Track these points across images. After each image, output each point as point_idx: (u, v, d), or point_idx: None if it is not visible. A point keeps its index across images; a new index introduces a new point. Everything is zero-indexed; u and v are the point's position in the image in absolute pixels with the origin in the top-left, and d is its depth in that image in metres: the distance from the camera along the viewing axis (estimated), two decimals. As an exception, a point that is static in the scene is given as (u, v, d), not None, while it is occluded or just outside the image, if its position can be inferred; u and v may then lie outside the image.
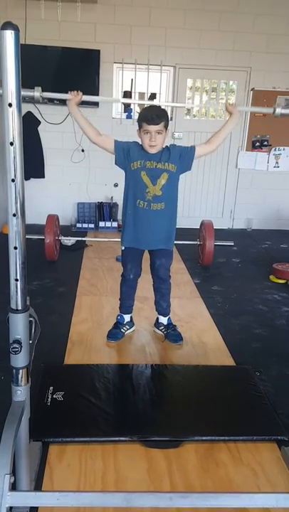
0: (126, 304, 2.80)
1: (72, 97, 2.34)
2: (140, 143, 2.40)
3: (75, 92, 2.35)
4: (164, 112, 2.35)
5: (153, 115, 2.26)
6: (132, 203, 2.46)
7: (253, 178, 5.67)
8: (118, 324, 2.78)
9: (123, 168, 2.45)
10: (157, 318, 2.86)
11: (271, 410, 2.11)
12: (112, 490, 1.63)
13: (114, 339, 2.72)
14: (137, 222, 2.48)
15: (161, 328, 2.83)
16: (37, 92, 2.05)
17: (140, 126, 2.32)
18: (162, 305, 2.80)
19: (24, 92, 2.02)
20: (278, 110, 2.24)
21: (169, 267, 2.70)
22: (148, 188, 2.38)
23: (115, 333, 2.74)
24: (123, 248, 2.63)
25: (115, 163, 2.47)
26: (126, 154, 2.40)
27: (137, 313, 2.92)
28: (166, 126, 2.32)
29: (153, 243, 2.56)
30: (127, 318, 2.82)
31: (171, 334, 2.77)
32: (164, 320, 2.82)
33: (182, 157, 2.41)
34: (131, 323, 2.85)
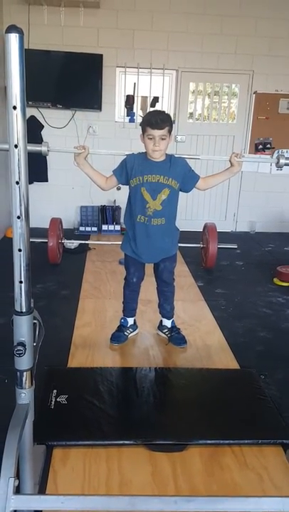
0: (129, 307, 2.79)
1: (80, 151, 2.34)
2: (137, 152, 2.40)
3: (81, 146, 2.36)
4: (168, 116, 2.34)
5: (157, 120, 2.24)
6: (132, 218, 2.47)
7: (256, 180, 5.66)
8: (122, 327, 2.78)
9: (127, 184, 2.47)
10: (161, 321, 2.86)
11: (276, 414, 2.10)
12: (117, 494, 1.62)
13: (118, 342, 2.71)
14: (137, 237, 2.48)
15: (164, 331, 2.82)
16: (44, 147, 2.08)
17: (144, 131, 2.30)
18: (166, 308, 2.79)
19: (31, 147, 2.05)
20: (282, 161, 2.24)
21: (172, 270, 2.70)
22: (148, 204, 2.38)
23: (118, 336, 2.74)
24: (124, 253, 2.64)
25: (119, 188, 2.54)
26: (126, 174, 2.41)
27: (140, 316, 2.92)
28: (170, 131, 2.30)
29: (154, 258, 2.59)
30: (130, 321, 2.81)
31: (175, 337, 2.76)
32: (167, 323, 2.82)
33: (185, 179, 2.41)
34: (134, 326, 2.84)
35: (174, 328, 2.80)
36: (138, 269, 2.65)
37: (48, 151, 2.11)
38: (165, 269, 2.65)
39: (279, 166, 2.26)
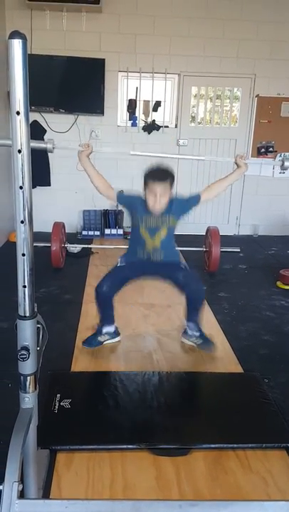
0: (103, 316, 2.68)
1: (83, 149, 2.40)
2: (143, 197, 2.44)
3: (86, 144, 2.41)
4: (170, 172, 2.40)
5: (159, 175, 2.33)
6: (133, 248, 2.55)
7: (259, 184, 5.66)
8: (96, 332, 2.70)
9: (129, 214, 2.57)
10: (187, 331, 2.77)
11: (280, 417, 2.09)
12: (121, 498, 1.62)
13: (88, 346, 2.65)
14: (137, 264, 2.55)
15: (193, 339, 2.74)
16: (50, 145, 2.10)
17: (146, 184, 2.37)
18: (195, 319, 2.71)
19: (37, 144, 2.06)
20: (287, 163, 2.28)
21: (195, 276, 2.69)
22: (146, 242, 2.46)
23: (90, 339, 2.67)
24: (119, 264, 2.61)
25: (116, 204, 2.62)
26: (128, 207, 2.51)
27: (143, 320, 2.92)
28: (171, 185, 2.36)
29: (152, 271, 2.63)
30: (107, 329, 2.70)
31: (205, 343, 2.70)
32: (196, 332, 2.74)
33: (184, 208, 2.49)
34: (114, 334, 2.74)
35: (203, 335, 2.73)
36: (115, 283, 2.56)
37: (54, 148, 2.12)
38: (189, 277, 2.57)
39: (284, 169, 2.28)
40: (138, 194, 2.47)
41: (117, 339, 2.79)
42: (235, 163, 2.49)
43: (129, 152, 2.48)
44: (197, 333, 2.75)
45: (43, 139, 5.24)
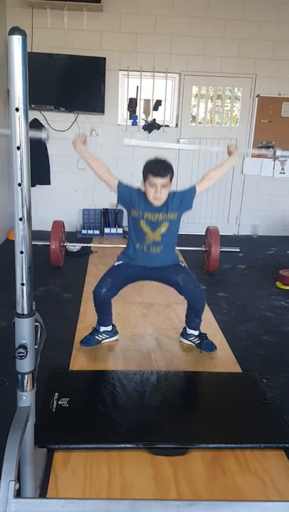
0: (101, 318, 2.68)
1: (77, 137, 2.42)
2: (143, 190, 2.41)
3: (81, 134, 2.45)
4: (170, 165, 2.38)
5: (160, 169, 2.30)
6: (132, 241, 2.52)
7: (259, 184, 5.66)
8: (94, 331, 2.71)
9: (125, 208, 2.51)
10: (185, 329, 2.79)
11: (279, 418, 2.08)
12: (118, 498, 1.61)
13: (86, 345, 2.65)
14: (137, 255, 2.52)
15: (191, 338, 2.75)
16: (44, 134, 2.08)
17: (145, 178, 2.34)
18: (195, 321, 2.72)
19: (31, 133, 2.02)
20: (278, 152, 2.26)
21: (195, 282, 2.63)
22: (147, 235, 2.44)
23: (88, 338, 2.67)
24: (117, 264, 2.60)
25: (118, 203, 2.52)
26: (128, 200, 2.45)
27: (142, 319, 2.91)
28: (171, 179, 2.34)
29: (149, 277, 2.61)
30: (104, 328, 2.71)
31: (206, 343, 2.69)
32: (194, 332, 2.75)
33: (183, 201, 2.45)
34: (111, 332, 2.74)
35: (202, 335, 2.74)
36: (114, 285, 2.54)
37: (48, 137, 2.08)
38: (186, 280, 2.54)
39: (276, 158, 2.27)
40: (137, 187, 2.45)
41: (114, 338, 2.79)
42: (228, 152, 2.49)
43: (123, 142, 2.47)
44: (196, 333, 2.75)
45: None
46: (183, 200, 2.45)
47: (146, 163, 2.39)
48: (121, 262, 2.59)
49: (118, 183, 2.45)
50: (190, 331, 2.77)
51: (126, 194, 2.43)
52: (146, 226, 2.42)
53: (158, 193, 2.30)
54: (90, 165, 2.47)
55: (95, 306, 2.64)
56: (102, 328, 2.71)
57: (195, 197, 2.46)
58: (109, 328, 2.74)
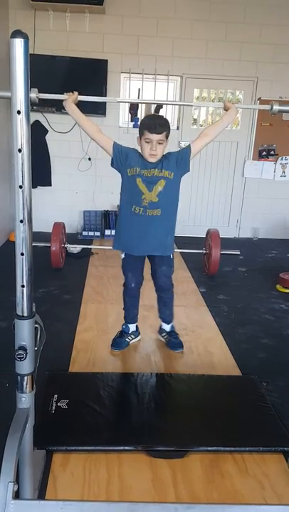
0: (131, 314, 2.78)
1: (68, 96, 2.34)
2: (139, 151, 2.39)
3: (70, 92, 2.36)
4: (167, 121, 2.36)
5: (156, 124, 2.26)
6: (127, 208, 2.43)
7: (260, 187, 5.66)
8: (123, 333, 2.77)
9: (119, 171, 2.43)
10: (161, 325, 2.86)
11: (278, 421, 2.08)
12: (117, 500, 1.61)
13: (119, 348, 2.70)
14: (131, 228, 2.45)
15: (163, 334, 2.83)
16: (33, 94, 2.02)
17: (141, 134, 2.31)
18: (165, 312, 2.79)
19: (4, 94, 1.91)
20: (275, 107, 2.19)
21: (170, 276, 2.68)
22: (144, 195, 2.36)
23: (120, 342, 2.73)
24: (123, 256, 2.62)
25: (111, 166, 2.43)
26: (124, 159, 2.38)
27: (142, 321, 2.91)
28: (167, 136, 2.31)
29: (146, 249, 2.52)
30: (132, 327, 2.80)
31: (172, 341, 2.75)
32: (166, 327, 2.82)
33: (178, 161, 2.38)
34: (136, 332, 2.83)
35: (172, 333, 2.80)
36: (136, 274, 2.64)
37: (37, 97, 2.04)
38: (162, 275, 2.63)
39: (273, 113, 2.21)
40: (135, 148, 2.42)
41: (138, 338, 2.84)
42: (224, 108, 2.40)
43: (115, 100, 2.44)
44: (167, 329, 2.81)
45: (45, 139, 5.26)
46: (178, 160, 2.38)
47: (142, 120, 2.39)
48: (123, 254, 2.61)
49: (114, 142, 2.42)
50: (163, 326, 2.83)
51: (122, 153, 2.38)
52: (143, 184, 2.34)
53: (153, 149, 2.27)
54: (83, 125, 2.44)
55: (127, 303, 2.74)
56: (131, 329, 2.78)
57: (191, 156, 2.39)
58: (135, 327, 2.81)
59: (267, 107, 2.19)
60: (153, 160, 2.32)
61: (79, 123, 2.45)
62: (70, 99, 2.35)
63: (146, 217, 2.39)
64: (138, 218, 2.40)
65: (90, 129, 2.43)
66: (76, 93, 2.36)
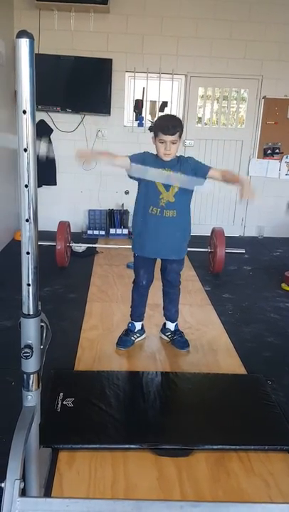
0: (137, 312, 2.79)
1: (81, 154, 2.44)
2: (151, 152, 2.46)
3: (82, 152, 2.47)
4: (180, 121, 2.42)
5: (169, 126, 2.33)
6: (144, 210, 2.48)
7: (265, 185, 5.64)
8: (128, 332, 2.78)
9: (138, 179, 2.48)
10: (164, 324, 2.86)
11: (283, 420, 2.08)
12: (122, 498, 1.62)
13: (124, 347, 2.71)
14: (148, 230, 2.50)
15: (167, 333, 2.83)
16: (43, 149, 2.11)
17: (156, 135, 2.38)
18: (170, 310, 2.80)
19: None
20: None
21: (179, 272, 2.71)
22: (162, 194, 2.43)
23: (125, 340, 2.73)
24: (136, 255, 2.65)
25: (129, 177, 2.47)
26: (143, 163, 2.42)
27: (147, 320, 2.91)
28: (180, 136, 2.38)
29: (163, 253, 2.58)
30: (138, 326, 2.81)
31: (178, 340, 2.76)
32: (171, 326, 2.82)
33: (196, 172, 2.43)
34: (142, 330, 2.84)
35: (177, 332, 2.80)
36: (147, 271, 2.66)
37: (47, 156, 2.11)
38: (172, 271, 2.67)
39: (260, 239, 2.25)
40: (145, 151, 2.48)
41: (144, 336, 2.85)
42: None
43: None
44: (172, 328, 2.81)
45: (50, 139, 5.27)
46: (196, 170, 2.43)
47: (156, 121, 2.45)
48: (137, 253, 2.63)
49: (129, 157, 2.43)
50: (167, 325, 2.83)
51: (139, 159, 2.43)
52: (161, 184, 2.42)
53: (168, 149, 2.35)
54: (115, 166, 2.47)
55: (136, 300, 2.76)
56: (137, 328, 2.79)
57: (206, 176, 2.42)
58: (140, 326, 2.82)
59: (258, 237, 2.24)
60: (167, 159, 2.39)
61: (110, 166, 2.48)
62: (87, 158, 2.51)
63: (163, 219, 2.45)
64: (155, 220, 2.46)
65: (124, 165, 2.43)
66: (83, 151, 2.44)
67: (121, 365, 2.55)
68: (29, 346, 1.41)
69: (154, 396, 2.22)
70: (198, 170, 2.43)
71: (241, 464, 1.83)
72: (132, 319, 2.80)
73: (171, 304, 2.78)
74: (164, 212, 2.44)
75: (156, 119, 2.43)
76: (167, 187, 2.42)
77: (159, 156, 2.40)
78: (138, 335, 2.80)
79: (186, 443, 1.91)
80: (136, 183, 2.50)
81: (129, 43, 5.08)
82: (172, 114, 2.44)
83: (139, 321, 2.81)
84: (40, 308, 1.44)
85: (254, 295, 3.74)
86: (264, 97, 5.34)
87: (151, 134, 2.42)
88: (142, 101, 5.28)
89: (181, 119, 2.45)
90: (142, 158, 2.44)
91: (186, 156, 2.54)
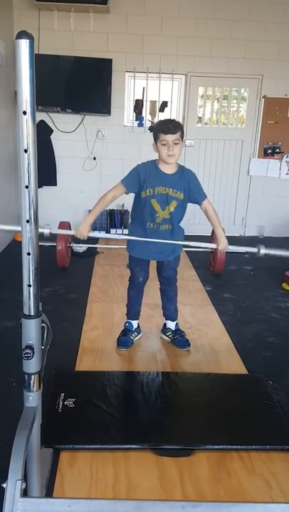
0: (134, 310, 2.79)
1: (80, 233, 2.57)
2: (147, 161, 2.43)
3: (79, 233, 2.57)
4: (179, 123, 2.39)
5: (169, 125, 2.30)
6: (140, 224, 2.52)
7: (265, 185, 5.65)
8: (127, 331, 2.77)
9: (135, 192, 2.50)
10: (165, 324, 2.86)
11: (284, 419, 2.08)
12: (123, 498, 1.62)
13: (126, 347, 2.71)
14: (146, 236, 2.51)
15: (168, 333, 2.82)
16: (47, 230, 2.15)
17: (157, 138, 2.34)
18: (169, 308, 2.80)
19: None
20: (262, 250, 2.30)
21: (176, 268, 2.72)
22: (158, 214, 2.45)
23: (125, 340, 2.73)
24: (132, 255, 2.65)
25: (127, 193, 2.51)
26: (137, 184, 2.42)
27: (148, 320, 2.92)
28: (182, 137, 2.35)
29: (159, 257, 2.63)
30: (134, 324, 2.81)
31: (179, 340, 2.76)
32: (171, 325, 2.82)
33: (191, 194, 2.45)
34: (138, 329, 2.84)
35: (177, 331, 2.80)
36: (144, 268, 2.67)
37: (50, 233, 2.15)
38: (168, 267, 2.67)
39: (259, 256, 2.33)
40: (138, 164, 2.46)
41: (140, 335, 2.86)
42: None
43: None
44: (172, 327, 2.81)
45: (50, 139, 5.27)
46: (193, 192, 2.44)
47: (155, 125, 2.43)
48: (133, 255, 2.65)
49: (125, 184, 2.44)
50: (168, 325, 2.83)
51: (134, 182, 2.42)
52: (157, 204, 2.41)
53: (171, 149, 2.30)
54: (112, 201, 2.54)
55: (132, 298, 2.76)
56: (134, 326, 2.80)
57: (198, 202, 2.49)
58: (137, 324, 2.83)
59: (254, 249, 2.28)
60: (172, 161, 2.35)
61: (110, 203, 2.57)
62: (81, 232, 2.61)
63: (159, 231, 2.49)
64: (151, 231, 2.49)
65: (107, 204, 2.55)
66: (80, 229, 2.63)
67: (122, 366, 2.55)
68: (30, 347, 1.41)
69: (155, 396, 2.22)
70: (195, 194, 2.45)
71: (242, 464, 1.83)
72: (128, 318, 2.80)
73: (169, 302, 2.79)
74: (161, 227, 2.48)
75: (155, 123, 2.42)
76: (163, 206, 2.42)
77: (163, 160, 2.36)
78: (136, 333, 2.80)
79: (187, 443, 1.91)
80: (134, 197, 2.53)
81: (129, 42, 5.08)
82: (172, 119, 2.41)
83: (136, 320, 2.82)
84: (41, 308, 1.44)
85: (255, 295, 3.74)
86: (264, 97, 5.34)
87: (151, 138, 2.38)
88: (142, 101, 5.28)
89: (180, 122, 2.44)
90: (137, 175, 2.41)
91: (187, 167, 2.51)
